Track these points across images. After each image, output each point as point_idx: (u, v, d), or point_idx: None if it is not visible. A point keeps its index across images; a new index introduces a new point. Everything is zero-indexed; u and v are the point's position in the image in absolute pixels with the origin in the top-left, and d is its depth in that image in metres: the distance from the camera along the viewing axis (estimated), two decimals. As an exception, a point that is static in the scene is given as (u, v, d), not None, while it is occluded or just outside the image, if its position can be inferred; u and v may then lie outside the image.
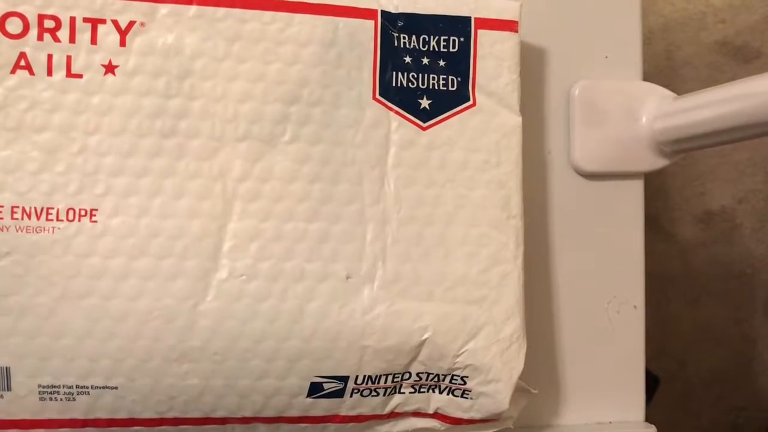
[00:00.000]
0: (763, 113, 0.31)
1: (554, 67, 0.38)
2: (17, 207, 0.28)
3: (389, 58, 0.31)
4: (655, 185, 1.02)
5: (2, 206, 0.28)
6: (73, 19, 0.29)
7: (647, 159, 0.38)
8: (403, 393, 0.32)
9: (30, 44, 0.29)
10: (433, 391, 0.32)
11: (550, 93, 0.38)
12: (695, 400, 1.05)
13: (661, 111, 0.37)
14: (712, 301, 1.05)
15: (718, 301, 1.05)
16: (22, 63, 0.29)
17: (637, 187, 0.38)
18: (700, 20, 1.05)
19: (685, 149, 0.37)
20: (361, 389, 0.31)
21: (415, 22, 0.32)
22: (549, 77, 0.38)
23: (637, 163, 0.38)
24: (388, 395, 0.32)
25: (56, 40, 0.29)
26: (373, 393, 0.31)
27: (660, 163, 0.38)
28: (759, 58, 1.06)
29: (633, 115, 0.37)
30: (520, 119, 0.33)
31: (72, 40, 0.29)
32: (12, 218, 0.28)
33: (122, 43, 0.29)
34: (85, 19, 0.29)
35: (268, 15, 0.30)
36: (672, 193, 1.05)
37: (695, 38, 1.05)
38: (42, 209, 0.29)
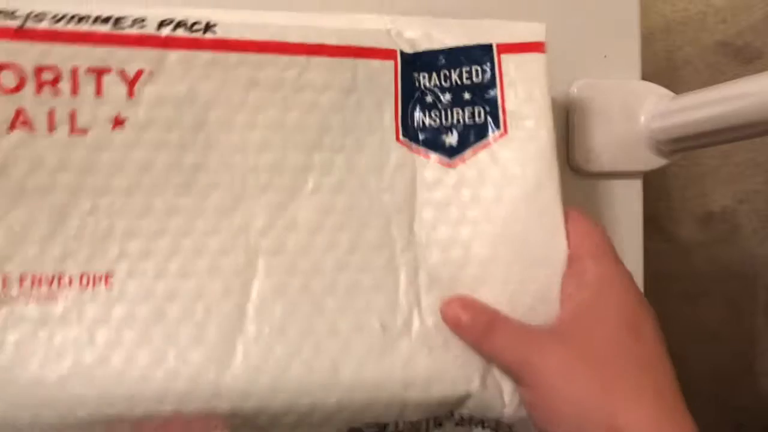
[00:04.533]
0: (761, 112, 0.31)
1: (553, 67, 0.37)
2: (26, 274, 0.27)
3: (410, 97, 0.30)
4: (655, 185, 1.02)
5: (9, 275, 0.26)
6: (75, 70, 0.27)
7: (646, 158, 0.38)
8: (443, 427, 0.30)
9: (28, 99, 0.26)
10: (476, 426, 0.31)
11: (550, 92, 0.38)
12: (695, 399, 1.05)
13: (659, 110, 0.37)
14: (712, 301, 1.05)
15: (719, 302, 1.05)
16: (21, 119, 0.26)
17: (636, 187, 0.38)
18: (701, 20, 1.05)
19: (684, 148, 0.37)
20: (401, 429, 0.30)
21: (434, 59, 0.30)
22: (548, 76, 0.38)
23: (636, 162, 0.38)
24: (428, 430, 0.30)
25: (57, 93, 0.27)
26: (413, 430, 0.30)
27: (659, 162, 0.38)
28: (760, 58, 1.06)
29: (632, 114, 0.37)
30: (554, 137, 0.31)
31: (74, 92, 0.27)
32: (20, 288, 0.26)
33: (130, 94, 0.27)
34: (89, 70, 0.27)
35: (283, 59, 0.28)
36: (673, 194, 1.05)
37: (696, 38, 1.05)
38: (53, 276, 0.27)
